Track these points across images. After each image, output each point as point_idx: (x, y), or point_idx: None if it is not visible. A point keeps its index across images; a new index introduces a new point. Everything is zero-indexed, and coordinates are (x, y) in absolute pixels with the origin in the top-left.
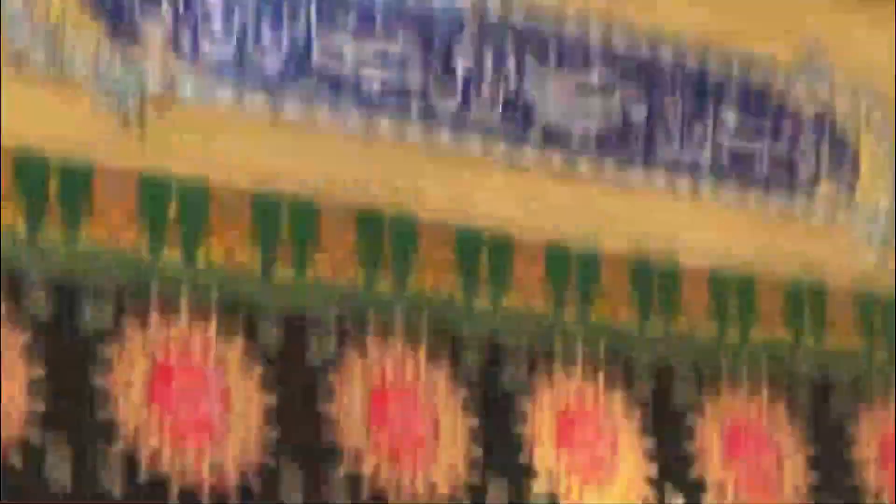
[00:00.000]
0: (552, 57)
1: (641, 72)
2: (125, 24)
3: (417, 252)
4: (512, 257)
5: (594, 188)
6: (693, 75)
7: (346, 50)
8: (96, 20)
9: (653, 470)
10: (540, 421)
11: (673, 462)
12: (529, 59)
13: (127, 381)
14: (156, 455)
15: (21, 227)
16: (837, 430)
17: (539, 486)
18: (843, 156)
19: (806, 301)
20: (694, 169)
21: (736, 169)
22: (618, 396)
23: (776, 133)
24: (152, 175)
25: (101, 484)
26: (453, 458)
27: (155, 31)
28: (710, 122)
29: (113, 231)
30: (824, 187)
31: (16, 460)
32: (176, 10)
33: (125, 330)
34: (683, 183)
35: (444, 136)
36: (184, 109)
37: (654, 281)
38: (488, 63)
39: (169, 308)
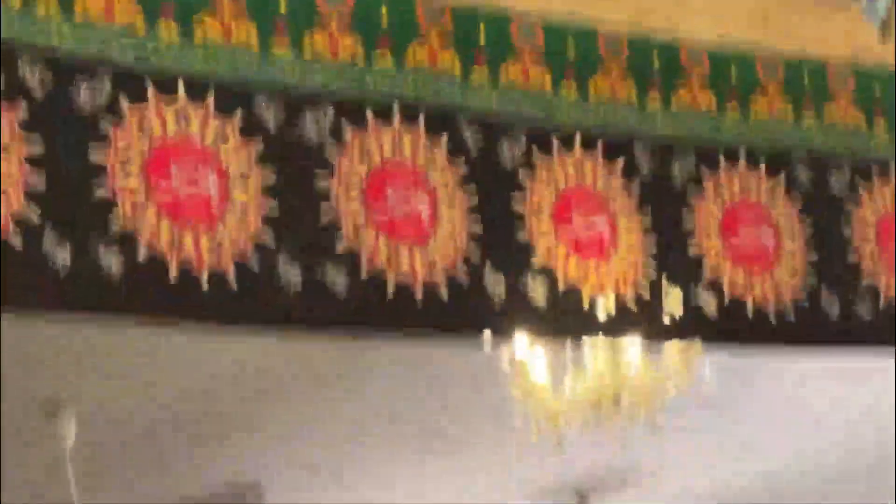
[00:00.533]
0: None
1: None
2: None
3: (416, 29)
4: (509, 33)
5: None
6: None
7: None
8: None
9: (652, 245)
10: (538, 197)
11: (672, 238)
12: None
13: (125, 159)
14: (154, 234)
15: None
16: (836, 206)
17: (537, 262)
18: None
19: (806, 75)
20: None
21: None
22: (617, 172)
23: None
24: None
25: (99, 263)
26: (452, 235)
27: None
28: None
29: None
30: None
31: (15, 239)
32: None
33: (122, 107)
34: None
35: None
36: None
37: (653, 56)
38: None
39: (167, 86)
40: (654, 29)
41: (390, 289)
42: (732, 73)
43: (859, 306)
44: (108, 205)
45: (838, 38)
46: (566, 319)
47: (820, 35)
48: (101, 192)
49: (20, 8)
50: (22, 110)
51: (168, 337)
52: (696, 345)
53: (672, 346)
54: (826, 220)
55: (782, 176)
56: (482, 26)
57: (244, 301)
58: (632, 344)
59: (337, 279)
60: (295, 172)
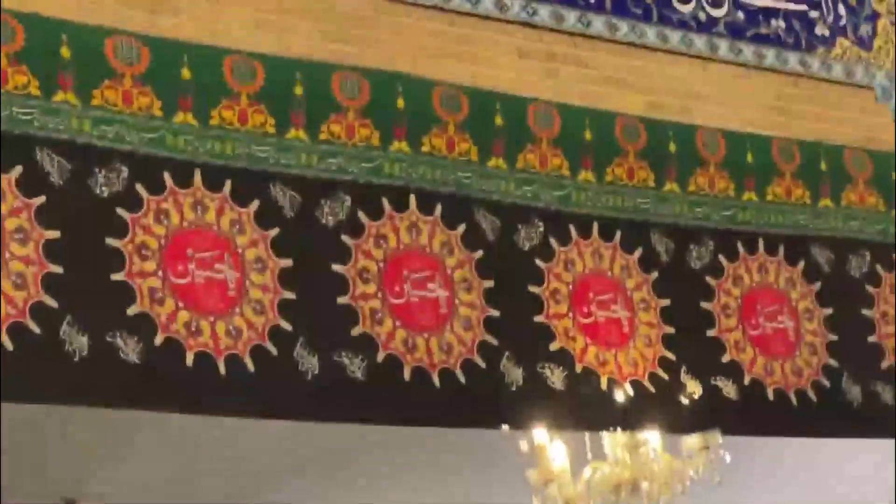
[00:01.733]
0: None
1: None
2: None
3: (433, 115)
4: (527, 118)
5: (609, 46)
6: None
7: None
8: None
9: (670, 330)
10: (556, 281)
11: (690, 322)
12: None
13: (142, 245)
14: (171, 319)
15: (35, 90)
16: (856, 289)
17: (554, 347)
18: (860, 13)
19: (823, 159)
20: (710, 27)
21: (752, 27)
22: (634, 257)
23: None
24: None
25: (117, 348)
26: (469, 320)
27: None
28: None
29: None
30: (841, 45)
31: (33, 325)
32: None
33: (139, 194)
34: (699, 42)
35: None
36: None
37: (670, 140)
38: None
39: (182, 172)
40: (671, 114)
41: (406, 373)
42: (749, 158)
43: (881, 390)
44: (126, 290)
45: (854, 121)
46: (584, 404)
47: (835, 119)
48: (118, 278)
49: (39, 97)
50: (40, 199)
51: (187, 423)
52: (716, 432)
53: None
54: (846, 303)
55: (801, 261)
56: (499, 112)
57: (262, 385)
58: (651, 431)
59: (353, 364)
60: (311, 258)
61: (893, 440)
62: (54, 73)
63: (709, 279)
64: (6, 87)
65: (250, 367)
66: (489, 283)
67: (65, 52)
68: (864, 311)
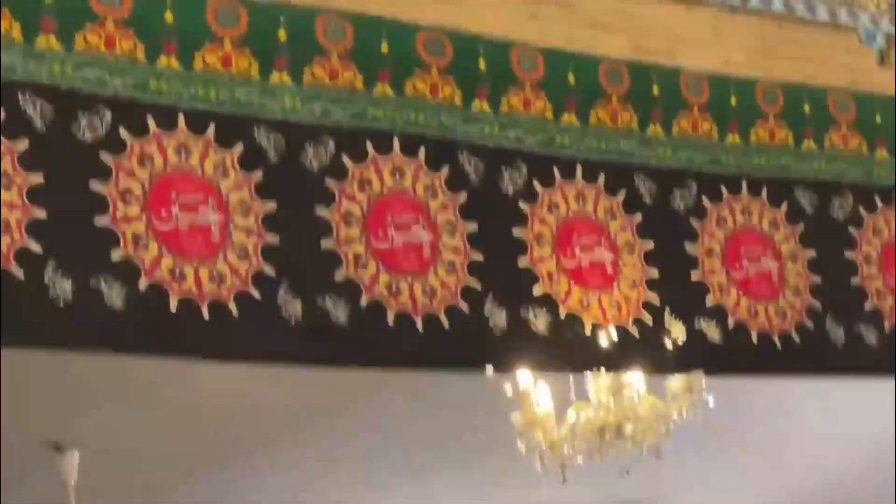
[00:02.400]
0: None
1: None
2: None
3: (416, 59)
4: (510, 62)
5: None
6: None
7: None
8: None
9: (654, 273)
10: (539, 224)
11: (674, 265)
12: None
13: (126, 189)
14: (155, 265)
15: (17, 35)
16: (839, 231)
17: (538, 290)
18: None
19: (806, 102)
20: None
21: None
22: (618, 199)
23: None
24: None
25: (101, 294)
26: (453, 264)
27: None
28: None
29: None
30: None
31: (17, 270)
32: None
33: (123, 138)
34: None
35: None
36: None
37: (654, 83)
38: None
39: (166, 116)
40: (654, 57)
41: (391, 318)
42: (733, 101)
43: (864, 331)
44: (110, 235)
45: (838, 64)
46: (568, 348)
47: (819, 61)
48: (102, 223)
49: (21, 42)
50: (23, 143)
51: (171, 370)
52: (700, 374)
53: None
54: (829, 245)
55: (784, 203)
56: (482, 55)
57: (245, 332)
58: (635, 373)
59: (337, 309)
60: (295, 203)
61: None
62: (36, 17)
63: (692, 221)
64: None
65: (234, 312)
66: (473, 227)
67: None
68: (847, 253)
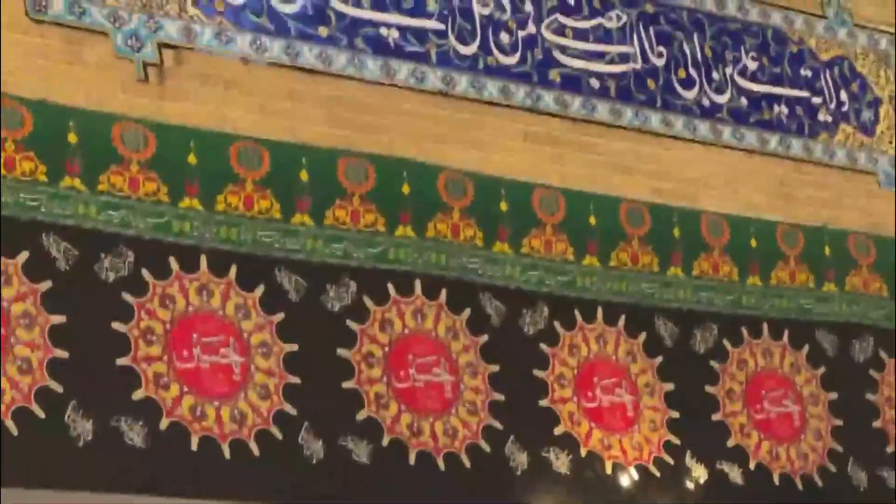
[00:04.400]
0: (571, 1)
1: (659, 16)
2: None
3: (438, 200)
4: (532, 203)
5: (613, 132)
6: (711, 19)
7: None
8: None
9: (674, 414)
10: (561, 366)
11: (695, 407)
12: (548, 3)
13: (147, 329)
14: (176, 404)
15: (42, 176)
16: (860, 374)
17: (559, 431)
18: (862, 99)
19: (827, 244)
20: (713, 113)
21: (755, 113)
22: (639, 342)
23: (796, 77)
24: (171, 124)
25: (121, 433)
26: (474, 404)
27: None
28: (729, 66)
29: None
30: (844, 131)
31: (38, 409)
32: None
33: (145, 279)
34: (703, 127)
35: (465, 81)
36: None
37: (675, 225)
38: (507, 7)
39: (188, 257)
40: (675, 199)
41: (412, 457)
42: (753, 243)
43: (886, 475)
44: (131, 375)
45: (857, 207)
46: (589, 488)
47: (839, 204)
48: (123, 363)
49: (46, 183)
50: (46, 284)
51: None
52: None
53: None
54: (850, 387)
55: (806, 346)
56: (504, 197)
57: (266, 471)
58: None
59: (359, 448)
60: (316, 344)
61: None
62: (62, 159)
63: (713, 363)
64: (13, 173)
65: (255, 451)
66: (494, 368)
67: (72, 138)
68: (869, 396)
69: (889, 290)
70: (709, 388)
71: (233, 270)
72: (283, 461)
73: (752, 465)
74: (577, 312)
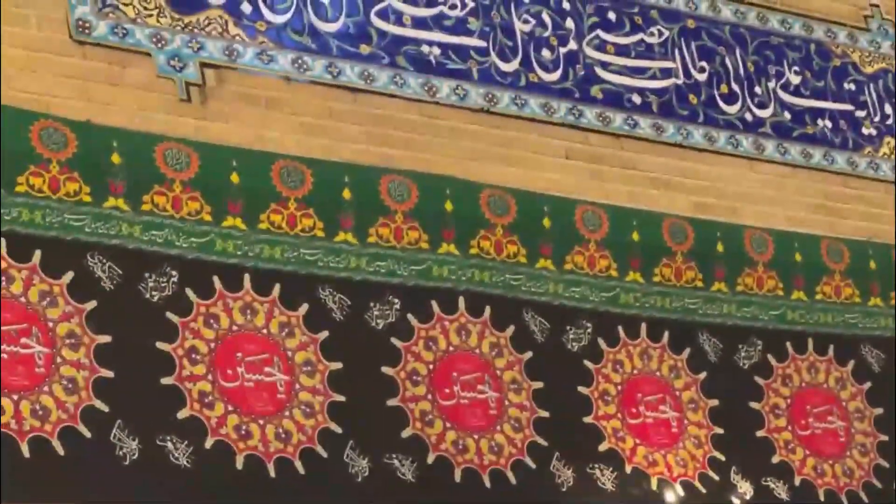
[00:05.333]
0: (612, 17)
1: (701, 31)
2: None
3: (481, 218)
4: (574, 220)
5: (655, 147)
6: (754, 34)
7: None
8: None
9: (719, 430)
10: (605, 382)
11: (739, 423)
12: (589, 20)
13: (191, 348)
14: (221, 423)
15: (86, 197)
16: None
17: (604, 447)
18: None
19: (872, 258)
20: (756, 128)
21: (799, 127)
22: (683, 357)
23: (839, 90)
24: (213, 144)
25: (167, 452)
26: (519, 420)
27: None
28: (772, 80)
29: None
30: (888, 144)
31: (84, 429)
32: None
33: (189, 298)
34: (746, 142)
35: (507, 98)
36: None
37: (718, 240)
38: (548, 24)
39: (232, 276)
40: (718, 214)
41: (457, 475)
42: (797, 258)
43: None
44: (176, 394)
45: None
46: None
47: (884, 218)
48: (168, 382)
49: (90, 203)
50: (91, 304)
51: None
52: None
53: None
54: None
55: (851, 361)
56: (547, 214)
57: (311, 488)
58: None
59: (404, 465)
60: (360, 362)
61: None
62: (105, 180)
63: (758, 379)
64: (58, 194)
65: (300, 469)
66: (538, 385)
67: (115, 158)
68: None
69: None
70: (753, 404)
71: (276, 289)
72: (329, 479)
73: (797, 482)
74: (620, 328)
